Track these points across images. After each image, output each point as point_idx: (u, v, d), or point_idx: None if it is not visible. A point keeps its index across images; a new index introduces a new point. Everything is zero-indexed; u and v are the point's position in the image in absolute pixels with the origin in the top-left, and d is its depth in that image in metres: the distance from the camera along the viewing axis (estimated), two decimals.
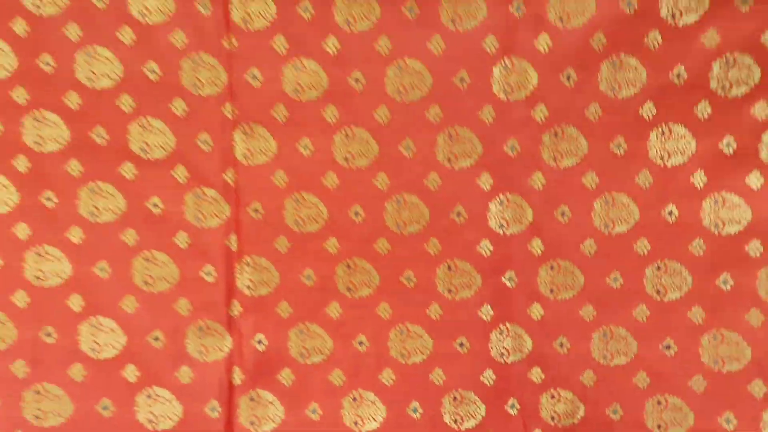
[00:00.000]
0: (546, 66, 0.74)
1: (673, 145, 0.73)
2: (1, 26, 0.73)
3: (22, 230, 0.75)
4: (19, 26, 0.73)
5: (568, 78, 0.74)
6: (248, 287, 0.76)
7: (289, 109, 0.75)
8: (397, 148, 0.75)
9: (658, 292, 0.76)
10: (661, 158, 0.74)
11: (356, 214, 0.76)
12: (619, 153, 0.74)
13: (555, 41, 0.74)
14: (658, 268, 0.75)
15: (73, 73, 0.74)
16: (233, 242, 0.76)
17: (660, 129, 0.73)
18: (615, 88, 0.74)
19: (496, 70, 0.74)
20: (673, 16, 0.72)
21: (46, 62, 0.74)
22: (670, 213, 0.74)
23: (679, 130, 0.73)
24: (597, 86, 0.74)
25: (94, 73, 0.74)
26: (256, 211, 0.76)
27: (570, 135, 0.75)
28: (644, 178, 0.74)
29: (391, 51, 0.74)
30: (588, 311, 0.77)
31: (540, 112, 0.75)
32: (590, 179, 0.75)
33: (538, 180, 0.76)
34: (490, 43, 0.74)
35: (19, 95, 0.74)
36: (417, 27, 0.74)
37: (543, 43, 0.74)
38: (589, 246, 0.76)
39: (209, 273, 0.76)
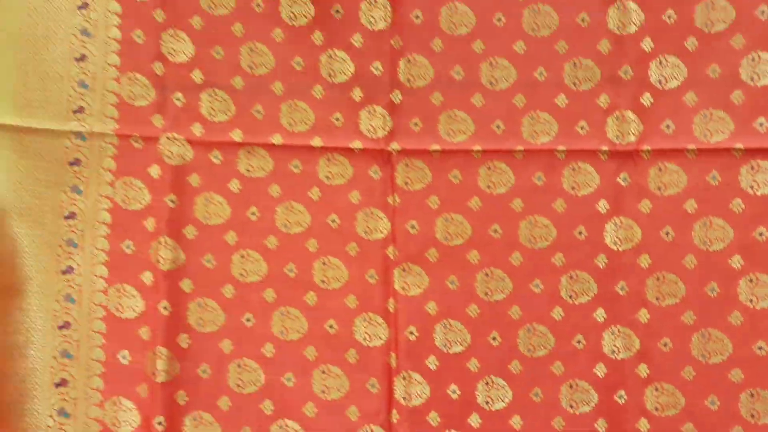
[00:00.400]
0: (648, 224, 0.92)
1: (760, 290, 0.89)
2: (220, 185, 0.95)
3: (227, 346, 0.93)
4: (234, 185, 0.95)
5: (667, 234, 0.92)
6: (404, 398, 0.92)
7: (440, 252, 0.94)
8: (528, 286, 0.93)
9: (752, 416, 0.89)
10: (750, 301, 0.90)
11: (494, 338, 0.93)
12: (713, 296, 0.91)
13: (654, 205, 0.92)
14: (752, 395, 0.89)
15: (274, 222, 0.95)
16: (393, 360, 0.93)
17: (748, 277, 0.90)
18: (707, 242, 0.91)
19: (608, 226, 0.93)
20: (752, 187, 0.91)
21: (252, 212, 0.95)
22: (760, 348, 0.89)
23: (766, 278, 0.89)
24: (691, 241, 0.91)
25: (289, 221, 0.95)
26: (411, 333, 0.93)
27: (670, 280, 0.92)
28: (736, 318, 0.90)
29: (523, 209, 0.94)
30: (689, 428, 0.91)
31: (644, 261, 0.92)
32: (688, 316, 0.91)
33: (643, 315, 0.92)
34: (603, 205, 0.93)
35: (230, 238, 0.95)
36: (544, 192, 0.93)
37: (645, 206, 0.92)
38: (688, 372, 0.91)
39: (373, 385, 0.93)
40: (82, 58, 0.93)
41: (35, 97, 0.92)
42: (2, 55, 0.91)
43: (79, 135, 0.93)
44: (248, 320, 0.94)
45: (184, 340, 0.93)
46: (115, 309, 0.93)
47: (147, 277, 0.93)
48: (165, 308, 0.92)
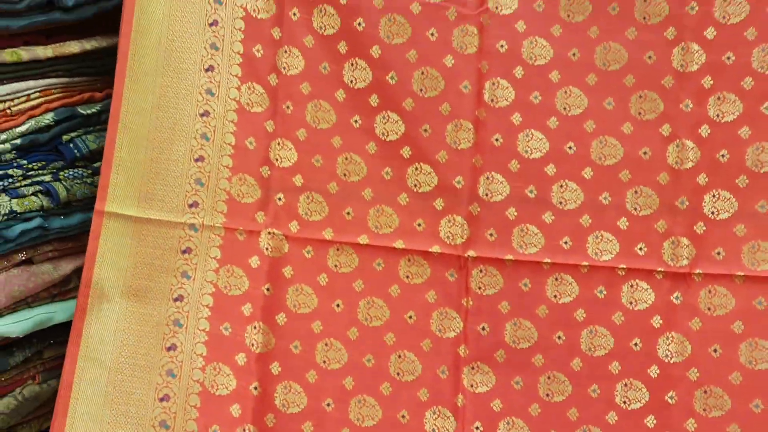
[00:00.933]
0: (698, 341, 1.01)
1: None
2: (310, 278, 1.05)
3: (307, 427, 1.02)
4: (323, 278, 1.05)
5: (715, 351, 1.01)
6: None
7: (507, 353, 1.03)
8: (586, 391, 1.02)
9: None
10: None
11: None
12: (757, 412, 0.99)
13: (704, 324, 1.01)
14: None
15: (356, 315, 1.05)
16: None
17: None
18: (752, 362, 1.00)
19: (661, 340, 1.02)
20: None
21: (337, 304, 1.05)
22: None
23: None
24: (738, 359, 1.00)
25: (370, 315, 1.05)
26: (477, 428, 1.02)
27: (717, 393, 1.00)
28: None
29: (585, 319, 1.03)
30: None
31: (693, 374, 1.01)
32: (733, 429, 0.99)
33: (691, 424, 1.00)
34: (657, 321, 1.02)
35: (316, 326, 1.04)
36: (605, 305, 1.03)
37: (695, 324, 1.02)
38: None
39: None
40: (200, 159, 1.05)
41: (157, 191, 1.03)
42: (132, 154, 1.03)
43: (192, 227, 1.04)
44: (328, 405, 1.03)
45: (270, 420, 1.01)
46: (211, 386, 1.02)
47: (241, 358, 1.02)
48: (255, 388, 1.01)
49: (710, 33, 1.02)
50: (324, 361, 1.04)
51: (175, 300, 1.04)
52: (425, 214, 1.06)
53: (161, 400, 1.01)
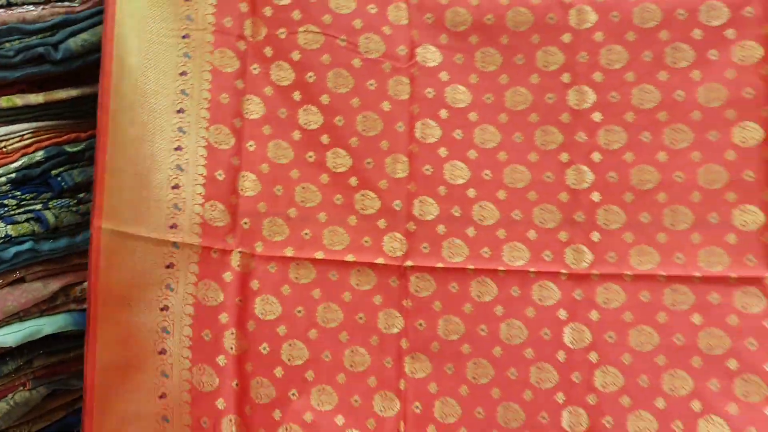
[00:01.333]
0: (596, 329, 1.21)
1: (678, 382, 1.17)
2: (275, 289, 1.25)
3: (277, 414, 1.21)
4: (285, 289, 1.25)
5: (610, 337, 1.21)
6: None
7: (440, 344, 1.23)
8: (506, 374, 1.21)
9: None
10: (671, 390, 1.18)
11: (479, 413, 1.21)
12: (644, 386, 1.19)
13: (601, 315, 1.21)
14: None
15: (315, 318, 1.24)
16: (402, 427, 1.21)
17: (669, 372, 1.19)
18: (639, 345, 1.20)
19: (566, 330, 1.21)
20: (672, 304, 1.22)
21: (299, 310, 1.25)
22: (678, 427, 1.18)
23: (682, 373, 1.18)
24: (629, 343, 1.20)
25: (327, 318, 1.25)
26: (417, 407, 1.22)
27: (612, 372, 1.19)
28: (660, 402, 1.18)
29: (503, 314, 1.23)
30: None
31: (593, 357, 1.20)
32: (625, 400, 1.19)
33: (593, 398, 1.20)
34: (562, 314, 1.22)
35: (281, 330, 1.24)
36: (519, 302, 1.23)
37: (594, 315, 1.22)
38: None
39: None
40: (176, 186, 1.22)
41: (141, 212, 1.20)
42: (119, 179, 1.18)
43: (174, 244, 1.22)
44: (293, 395, 1.23)
45: (248, 410, 1.21)
46: (198, 384, 1.20)
47: (221, 360, 1.21)
48: (236, 384, 1.20)
49: (598, 77, 1.24)
50: (288, 359, 1.23)
51: (162, 309, 1.22)
52: (371, 233, 1.26)
53: (161, 398, 1.20)
